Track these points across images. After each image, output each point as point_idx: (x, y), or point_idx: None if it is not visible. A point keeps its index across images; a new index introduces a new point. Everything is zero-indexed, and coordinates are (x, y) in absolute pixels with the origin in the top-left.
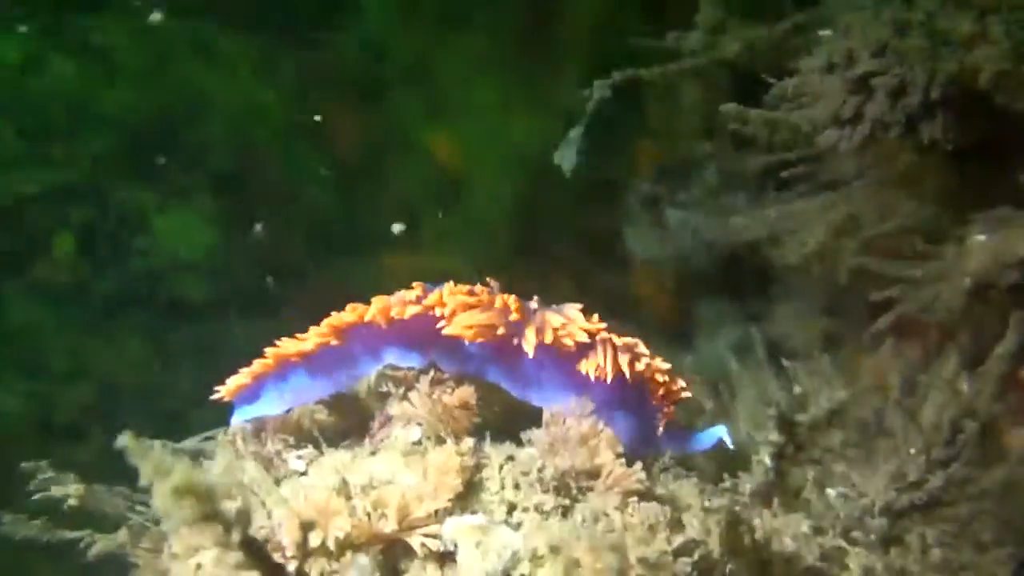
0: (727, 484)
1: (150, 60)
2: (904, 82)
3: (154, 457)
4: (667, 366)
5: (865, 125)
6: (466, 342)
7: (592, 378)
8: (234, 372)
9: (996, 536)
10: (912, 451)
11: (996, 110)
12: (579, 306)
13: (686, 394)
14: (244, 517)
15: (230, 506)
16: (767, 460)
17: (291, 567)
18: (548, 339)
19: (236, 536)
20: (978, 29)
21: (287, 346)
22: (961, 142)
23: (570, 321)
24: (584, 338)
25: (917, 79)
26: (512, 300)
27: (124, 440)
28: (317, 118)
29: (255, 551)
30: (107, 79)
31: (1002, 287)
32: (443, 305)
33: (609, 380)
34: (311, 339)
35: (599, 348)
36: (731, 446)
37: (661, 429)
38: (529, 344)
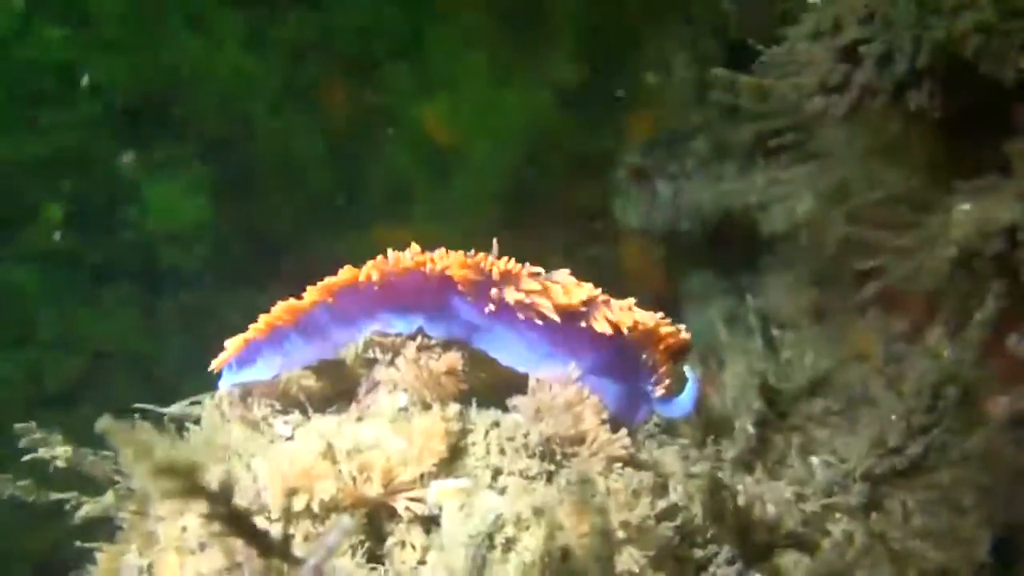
0: (709, 450)
1: (141, 29)
2: (891, 49)
3: (134, 440)
4: (669, 320)
5: (852, 92)
6: (454, 308)
7: (602, 332)
8: (224, 340)
9: (975, 502)
10: (893, 417)
11: (981, 78)
12: (567, 271)
13: (685, 335)
14: (228, 488)
15: (213, 478)
16: (750, 428)
17: (276, 529)
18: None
19: (221, 509)
20: None
21: (277, 309)
22: (947, 110)
23: (566, 284)
24: (584, 296)
25: (904, 46)
26: (513, 263)
27: (103, 424)
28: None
29: (239, 520)
30: (98, 47)
31: (987, 256)
32: (435, 263)
33: (614, 333)
34: (303, 300)
35: (601, 306)
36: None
37: (657, 395)
38: (552, 309)
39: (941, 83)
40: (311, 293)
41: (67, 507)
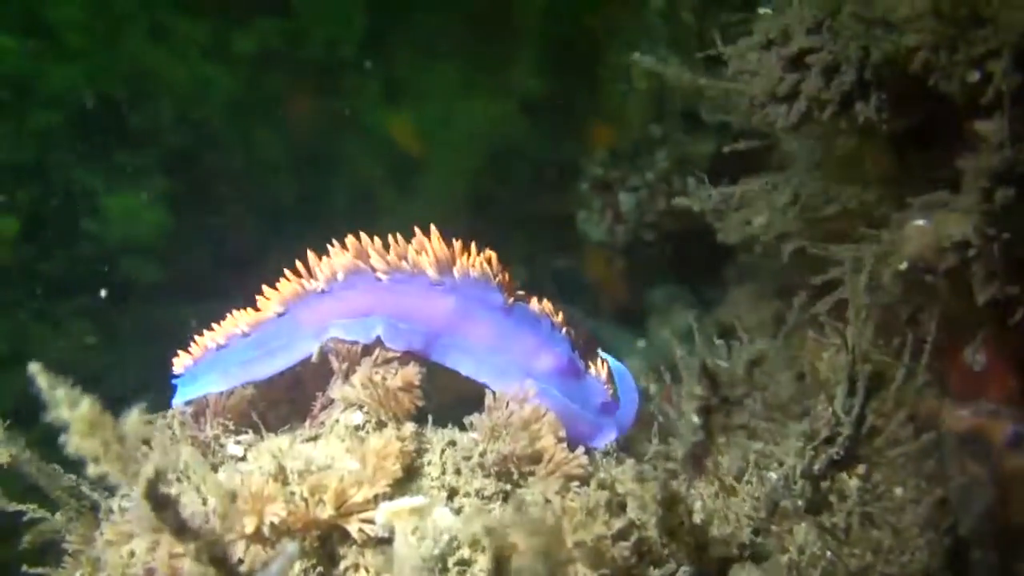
0: (659, 448)
1: (101, 38)
2: (838, 60)
3: (65, 390)
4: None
5: (801, 103)
6: (412, 306)
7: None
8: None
9: (929, 513)
10: (820, 407)
11: (931, 93)
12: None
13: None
14: (154, 467)
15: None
16: (695, 418)
17: (212, 533)
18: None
19: (143, 484)
20: (914, 12)
21: (233, 320)
22: (896, 124)
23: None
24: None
25: (851, 58)
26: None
27: (34, 368)
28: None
29: (162, 502)
30: (56, 56)
31: (940, 270)
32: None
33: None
34: (256, 311)
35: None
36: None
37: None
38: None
39: (889, 96)
40: (262, 303)
41: (23, 520)
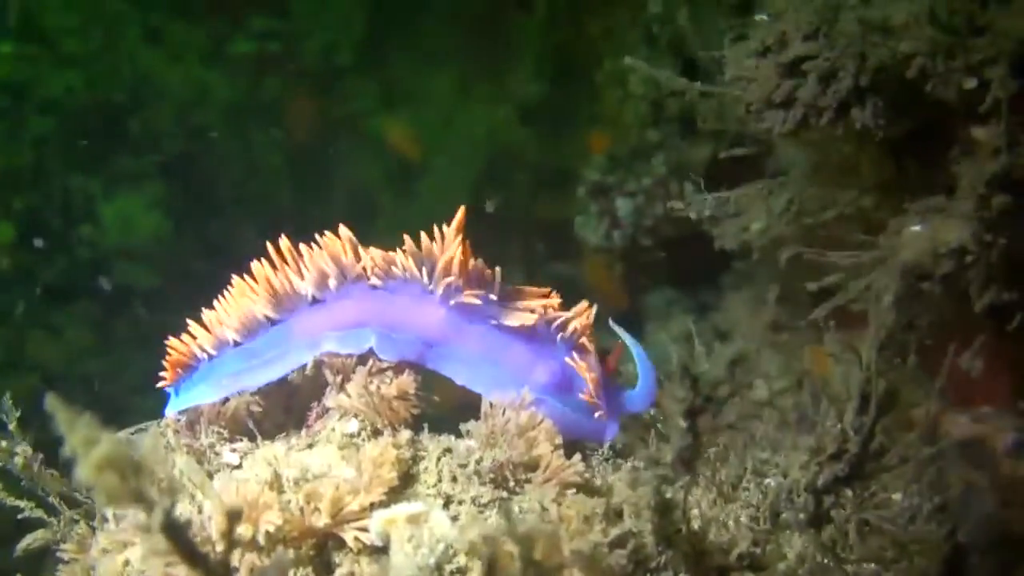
0: (651, 452)
1: (98, 43)
2: (835, 67)
3: (82, 426)
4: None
5: (797, 109)
6: (406, 316)
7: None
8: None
9: (928, 521)
10: (828, 423)
11: (928, 99)
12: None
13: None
14: (171, 498)
15: (155, 486)
16: (681, 421)
17: (220, 561)
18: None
19: (159, 517)
20: (911, 19)
21: (216, 315)
22: (892, 130)
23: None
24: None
25: (848, 64)
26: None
27: (50, 401)
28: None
29: (179, 535)
30: (53, 62)
31: (937, 276)
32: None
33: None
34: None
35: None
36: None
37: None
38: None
39: (886, 102)
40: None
41: (18, 518)
